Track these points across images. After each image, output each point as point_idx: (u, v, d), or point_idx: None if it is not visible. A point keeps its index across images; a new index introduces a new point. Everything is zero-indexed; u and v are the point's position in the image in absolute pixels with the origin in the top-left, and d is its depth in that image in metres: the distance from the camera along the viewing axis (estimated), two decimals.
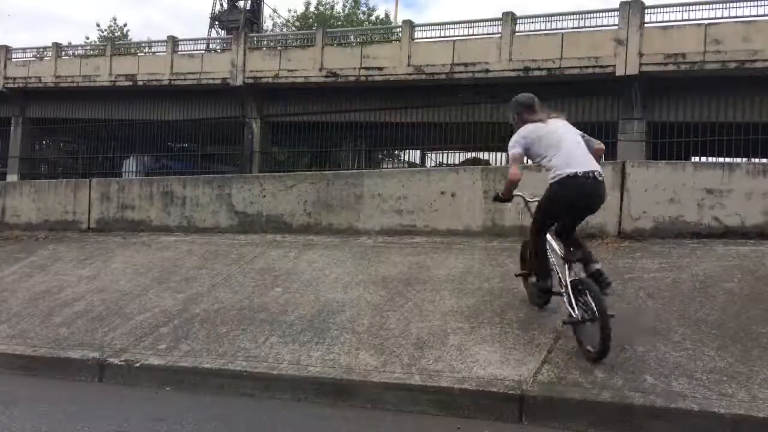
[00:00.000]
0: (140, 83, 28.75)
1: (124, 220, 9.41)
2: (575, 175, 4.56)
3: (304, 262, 6.97)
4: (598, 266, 4.69)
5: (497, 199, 5.24)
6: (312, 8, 44.29)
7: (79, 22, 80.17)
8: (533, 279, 5.18)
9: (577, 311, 4.45)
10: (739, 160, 17.94)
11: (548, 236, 4.96)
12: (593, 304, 4.30)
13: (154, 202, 9.25)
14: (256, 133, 27.36)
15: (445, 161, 28.00)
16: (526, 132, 4.86)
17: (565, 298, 4.65)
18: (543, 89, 23.34)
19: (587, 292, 4.41)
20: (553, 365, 4.37)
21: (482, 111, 23.25)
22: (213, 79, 27.34)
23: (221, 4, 50.90)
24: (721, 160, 18.04)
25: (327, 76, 25.25)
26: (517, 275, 5.46)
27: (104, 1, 77.30)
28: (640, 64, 20.34)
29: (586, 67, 21.14)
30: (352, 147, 27.16)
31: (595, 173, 4.60)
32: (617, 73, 20.61)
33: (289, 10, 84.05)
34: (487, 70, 22.61)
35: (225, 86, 27.18)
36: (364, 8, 44.98)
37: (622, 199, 6.66)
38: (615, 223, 6.67)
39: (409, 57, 23.87)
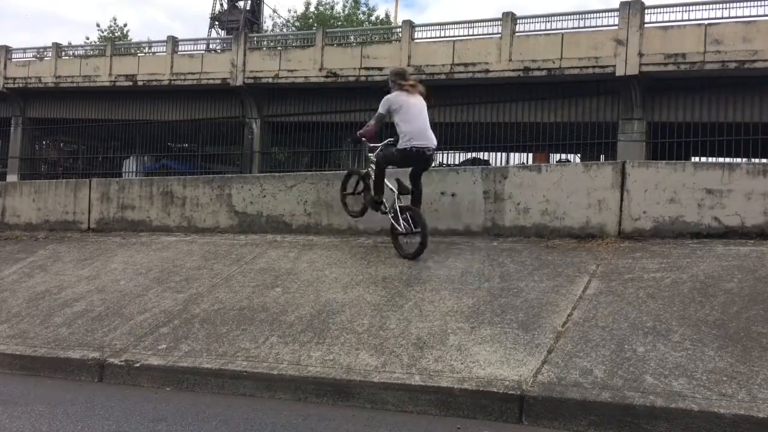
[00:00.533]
0: (140, 83, 28.76)
1: (124, 220, 9.41)
2: (419, 148, 6.48)
3: (304, 262, 6.98)
4: (416, 207, 6.67)
5: (357, 138, 7.04)
6: (312, 8, 44.32)
7: (79, 22, 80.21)
8: (372, 194, 6.92)
9: (402, 226, 6.60)
10: (739, 160, 17.98)
11: (386, 180, 6.79)
12: (417, 222, 6.49)
13: (154, 202, 9.26)
14: (256, 133, 27.36)
15: (445, 161, 28.02)
16: (393, 98, 6.59)
17: (391, 216, 6.71)
18: (543, 89, 23.52)
19: (411, 213, 6.59)
20: (553, 365, 4.37)
21: (482, 111, 23.29)
22: (213, 79, 27.33)
23: (221, 4, 50.96)
24: (721, 160, 18.06)
25: (327, 76, 25.25)
26: (343, 193, 7.53)
27: (104, 1, 77.33)
28: (640, 64, 20.34)
29: (586, 67, 21.15)
30: (352, 147, 27.18)
31: (431, 147, 6.55)
32: (617, 73, 20.62)
33: (289, 10, 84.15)
34: (487, 71, 22.62)
35: (225, 86, 27.18)
36: (364, 8, 45.01)
37: (622, 200, 6.66)
38: (615, 224, 6.67)
39: (409, 57, 23.87)
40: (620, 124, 21.56)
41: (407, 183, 6.73)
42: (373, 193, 6.89)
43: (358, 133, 7.01)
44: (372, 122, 6.78)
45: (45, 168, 33.95)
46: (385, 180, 6.81)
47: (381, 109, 6.63)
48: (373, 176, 6.90)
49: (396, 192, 6.73)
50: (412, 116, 6.51)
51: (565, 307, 5.20)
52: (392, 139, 6.87)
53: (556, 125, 22.07)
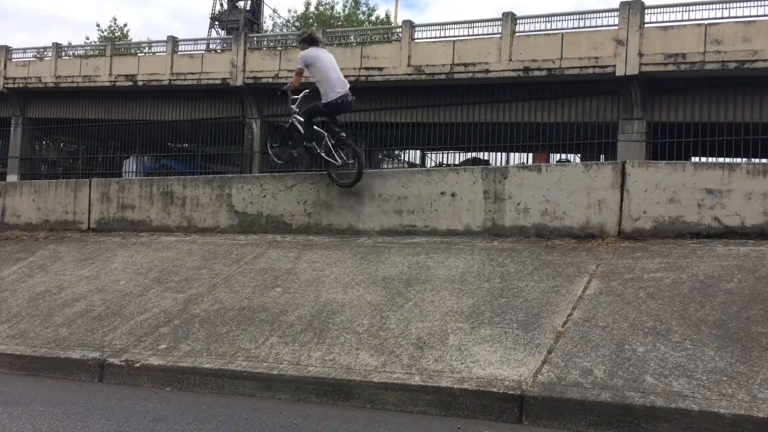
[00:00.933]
0: (140, 83, 28.76)
1: (124, 220, 9.41)
2: (342, 96, 7.39)
3: (304, 262, 6.98)
4: (344, 135, 7.57)
5: (284, 91, 7.84)
6: (312, 8, 44.32)
7: (79, 22, 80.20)
8: (303, 141, 7.76)
9: (339, 159, 7.56)
10: (739, 160, 17.97)
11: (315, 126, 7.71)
12: (350, 152, 7.51)
13: (154, 202, 9.25)
14: (256, 133, 27.35)
15: (445, 161, 28.01)
16: (308, 53, 7.50)
17: (324, 153, 7.60)
18: (543, 89, 23.50)
19: (346, 146, 7.54)
20: (553, 365, 4.37)
21: (482, 111, 23.28)
22: (213, 79, 27.33)
23: (221, 4, 50.97)
24: (721, 160, 18.06)
25: None
26: (272, 146, 8.55)
27: (104, 1, 77.32)
28: (640, 64, 20.34)
29: (586, 67, 21.14)
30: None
31: (349, 93, 7.48)
32: (617, 73, 20.61)
33: (289, 10, 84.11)
34: (487, 71, 22.61)
35: (225, 86, 27.18)
36: (364, 8, 45.02)
37: (622, 199, 6.66)
38: (615, 223, 6.67)
39: (409, 57, 23.86)
40: (620, 124, 21.55)
41: (332, 125, 7.66)
42: (304, 140, 7.76)
43: (284, 88, 7.90)
44: (294, 77, 7.70)
45: (45, 168, 33.94)
46: (314, 127, 7.75)
47: (299, 64, 7.54)
48: (301, 127, 7.77)
49: (326, 133, 7.64)
50: (329, 67, 7.47)
51: (565, 307, 5.20)
52: (308, 90, 7.88)
53: (556, 125, 22.06)
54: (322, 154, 7.66)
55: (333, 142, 7.59)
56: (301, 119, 7.78)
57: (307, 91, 7.90)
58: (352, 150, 7.56)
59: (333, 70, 7.50)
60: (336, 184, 7.76)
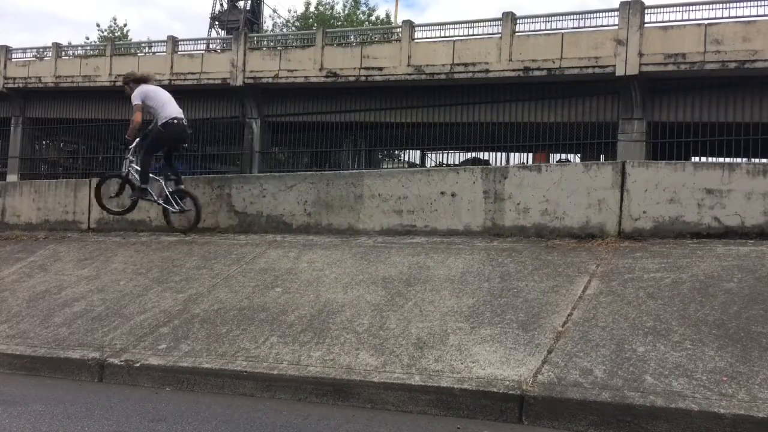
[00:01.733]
0: None
1: (124, 220, 9.41)
2: (177, 118, 7.69)
3: (304, 262, 6.98)
4: (182, 186, 8.00)
5: (128, 141, 7.90)
6: (312, 8, 44.31)
7: (79, 22, 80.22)
8: (139, 185, 7.88)
9: (177, 206, 7.88)
10: (739, 160, 17.98)
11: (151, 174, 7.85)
12: (188, 199, 7.90)
13: None
14: (256, 133, 27.36)
15: (445, 161, 28.01)
16: (143, 88, 7.71)
17: (162, 201, 7.87)
18: (543, 89, 23.53)
19: (184, 193, 7.94)
20: (553, 365, 4.37)
21: (482, 111, 23.29)
22: (213, 79, 27.34)
23: (221, 4, 50.99)
24: (721, 160, 18.06)
25: (327, 76, 25.25)
26: (101, 199, 8.41)
27: (104, 1, 77.34)
28: (640, 64, 20.35)
29: (586, 67, 21.15)
30: (352, 147, 27.21)
31: (183, 119, 7.80)
32: (617, 73, 20.62)
33: (289, 10, 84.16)
34: (487, 70, 22.61)
35: (225, 86, 27.19)
36: (364, 8, 45.00)
37: (622, 199, 6.66)
38: (615, 223, 6.67)
39: (409, 57, 23.87)
40: (620, 124, 21.56)
41: (168, 172, 8.02)
42: (140, 183, 7.88)
43: (127, 136, 7.90)
44: (135, 115, 7.66)
45: (45, 168, 33.96)
46: (151, 175, 7.93)
47: (137, 100, 7.63)
48: (138, 170, 7.92)
49: (162, 180, 7.94)
50: (166, 100, 7.79)
51: (565, 307, 5.20)
52: (139, 139, 7.94)
53: (556, 125, 22.09)
54: (160, 202, 7.98)
55: (170, 190, 7.90)
56: (138, 168, 7.97)
57: (139, 140, 7.99)
58: (190, 196, 7.96)
59: (170, 102, 7.84)
60: (173, 229, 8.06)
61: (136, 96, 7.66)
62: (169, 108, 7.79)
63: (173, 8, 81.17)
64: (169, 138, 7.82)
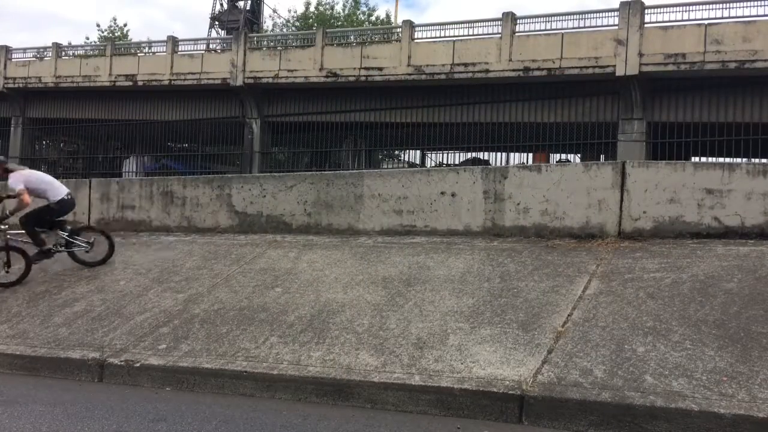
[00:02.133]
0: (140, 83, 28.74)
1: (124, 220, 9.42)
2: (70, 195, 7.95)
3: (304, 262, 6.97)
4: (80, 224, 8.57)
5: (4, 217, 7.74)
6: (312, 8, 44.26)
7: (79, 22, 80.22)
8: (39, 248, 7.84)
9: (83, 242, 7.91)
10: (739, 160, 17.98)
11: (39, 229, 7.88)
12: (96, 232, 8.10)
13: (154, 202, 9.26)
14: (256, 133, 27.35)
15: (445, 161, 28.00)
16: (21, 173, 7.76)
17: (64, 248, 7.89)
18: (543, 89, 23.49)
19: (85, 230, 8.19)
20: (553, 365, 4.37)
21: (482, 111, 23.29)
22: (213, 79, 27.31)
23: (221, 4, 50.98)
24: (721, 160, 18.07)
25: (327, 76, 25.23)
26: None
27: (104, 1, 77.39)
28: (640, 64, 20.32)
29: (586, 67, 21.12)
30: (352, 147, 27.20)
31: (71, 194, 7.99)
32: (617, 73, 20.60)
33: (289, 10, 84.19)
34: (487, 71, 22.59)
35: (225, 86, 27.16)
36: (364, 8, 44.94)
37: (622, 200, 6.66)
38: (615, 224, 6.67)
39: (409, 57, 23.84)
40: (620, 124, 21.54)
41: (63, 225, 7.99)
42: (39, 247, 7.85)
43: (16, 214, 7.73)
44: (22, 199, 7.51)
45: (45, 168, 33.93)
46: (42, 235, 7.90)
47: (20, 186, 7.53)
48: (28, 236, 7.81)
49: (57, 231, 7.93)
50: (45, 178, 7.98)
51: (565, 307, 5.20)
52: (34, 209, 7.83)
53: (556, 125, 22.06)
54: (62, 249, 7.92)
55: (67, 234, 7.91)
56: (28, 240, 7.84)
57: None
58: (96, 230, 8.16)
59: (52, 179, 8.01)
60: (86, 265, 7.85)
61: (18, 182, 7.58)
62: (57, 186, 7.91)
63: (173, 8, 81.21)
64: (60, 211, 7.88)
